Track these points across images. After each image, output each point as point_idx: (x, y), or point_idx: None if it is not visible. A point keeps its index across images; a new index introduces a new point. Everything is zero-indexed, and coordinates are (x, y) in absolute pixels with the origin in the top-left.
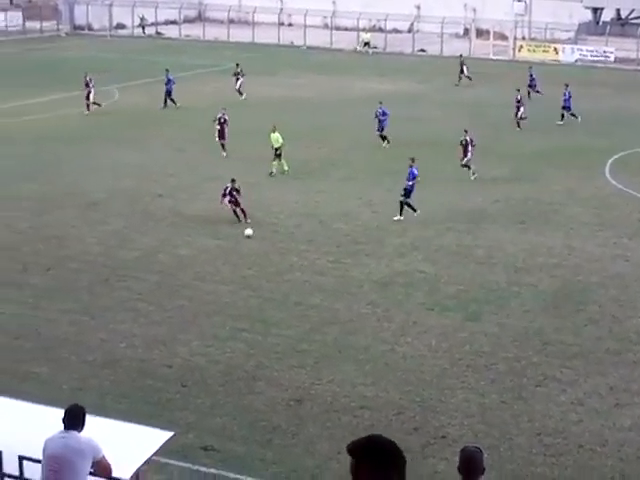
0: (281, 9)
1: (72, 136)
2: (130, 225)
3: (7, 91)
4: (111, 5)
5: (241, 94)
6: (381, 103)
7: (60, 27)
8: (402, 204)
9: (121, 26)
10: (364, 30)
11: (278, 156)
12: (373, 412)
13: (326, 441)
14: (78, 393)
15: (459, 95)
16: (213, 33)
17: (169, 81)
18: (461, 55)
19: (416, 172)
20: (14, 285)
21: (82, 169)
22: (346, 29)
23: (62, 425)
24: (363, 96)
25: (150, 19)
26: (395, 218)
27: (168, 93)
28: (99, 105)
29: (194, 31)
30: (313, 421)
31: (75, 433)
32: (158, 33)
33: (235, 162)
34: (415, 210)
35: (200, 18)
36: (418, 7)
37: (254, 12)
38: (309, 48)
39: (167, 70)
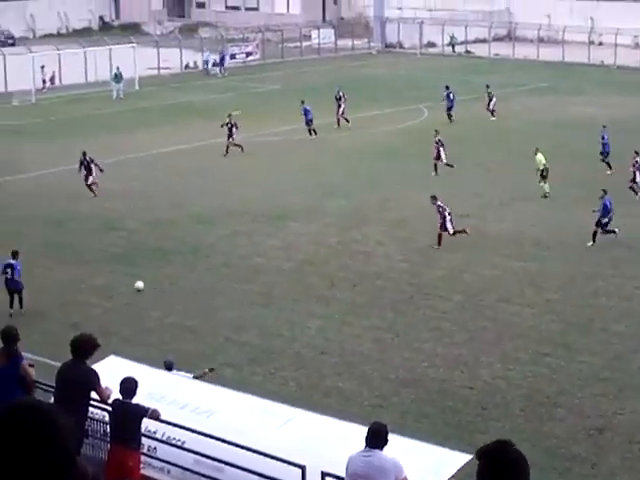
0: (591, 28)
1: (382, 152)
2: (436, 244)
3: (321, 108)
4: (422, 23)
5: (492, 114)
6: (604, 127)
7: (371, 45)
8: (595, 233)
9: (431, 44)
10: None
11: (544, 177)
12: None
13: (626, 473)
14: (379, 410)
15: None
16: (522, 52)
17: (448, 97)
18: None
19: (609, 205)
20: (322, 300)
21: (391, 185)
22: None
23: (364, 442)
24: None
25: (460, 37)
26: (588, 244)
27: (448, 109)
28: (347, 121)
29: (503, 50)
30: (614, 452)
31: (378, 452)
32: (467, 51)
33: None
34: (615, 232)
35: (510, 37)
36: None
37: (564, 31)
38: (619, 68)
39: (447, 87)
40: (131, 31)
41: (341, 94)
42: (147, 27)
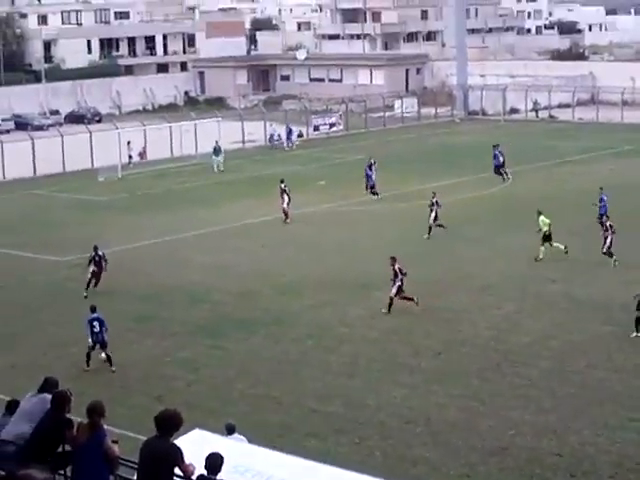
0: None
1: (466, 219)
2: (522, 309)
3: (405, 175)
4: (505, 90)
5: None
6: (601, 189)
7: (454, 113)
8: (638, 320)
9: (515, 110)
10: None
11: (547, 239)
12: None
13: None
14: None
15: None
16: (606, 115)
17: (495, 156)
18: None
19: None
20: (406, 368)
21: (477, 252)
22: None
23: None
24: None
25: (543, 103)
26: (632, 335)
27: (496, 167)
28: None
29: (587, 114)
30: None
31: None
32: (551, 116)
33: (631, 245)
34: None
35: (593, 101)
36: None
37: None
38: None
39: (495, 146)
40: (216, 105)
41: (372, 161)
42: (232, 101)
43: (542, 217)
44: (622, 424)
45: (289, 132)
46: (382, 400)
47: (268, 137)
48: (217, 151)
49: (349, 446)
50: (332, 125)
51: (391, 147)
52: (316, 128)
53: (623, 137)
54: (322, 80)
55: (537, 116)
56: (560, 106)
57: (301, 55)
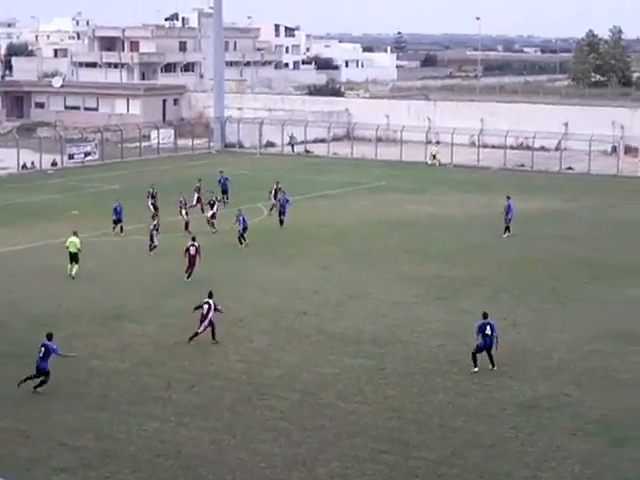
0: (429, 128)
1: (220, 251)
2: (274, 342)
3: (162, 207)
4: (261, 123)
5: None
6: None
7: (211, 145)
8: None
9: (271, 144)
10: (433, 143)
11: (75, 260)
12: None
13: None
14: None
15: (607, 214)
16: (361, 151)
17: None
18: None
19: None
20: (158, 401)
21: (231, 285)
22: (493, 147)
23: None
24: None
25: (299, 137)
26: (473, 370)
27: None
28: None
29: (342, 149)
30: None
31: None
32: (307, 151)
33: (381, 280)
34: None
35: (348, 136)
36: (566, 125)
37: (402, 130)
38: (456, 166)
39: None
40: None
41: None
42: None
43: (74, 238)
44: (371, 456)
45: None
46: (133, 433)
47: None
48: None
49: None
50: (87, 154)
51: (147, 177)
52: (71, 157)
53: (377, 173)
54: (78, 108)
55: (293, 150)
56: (316, 141)
57: (57, 82)
